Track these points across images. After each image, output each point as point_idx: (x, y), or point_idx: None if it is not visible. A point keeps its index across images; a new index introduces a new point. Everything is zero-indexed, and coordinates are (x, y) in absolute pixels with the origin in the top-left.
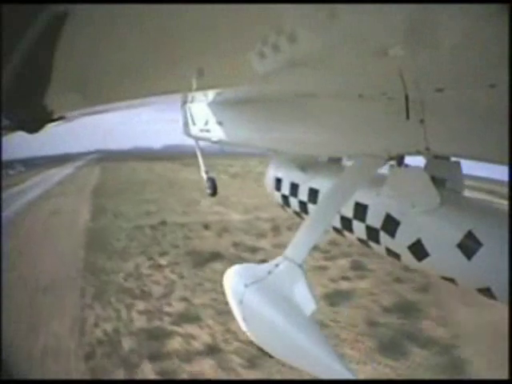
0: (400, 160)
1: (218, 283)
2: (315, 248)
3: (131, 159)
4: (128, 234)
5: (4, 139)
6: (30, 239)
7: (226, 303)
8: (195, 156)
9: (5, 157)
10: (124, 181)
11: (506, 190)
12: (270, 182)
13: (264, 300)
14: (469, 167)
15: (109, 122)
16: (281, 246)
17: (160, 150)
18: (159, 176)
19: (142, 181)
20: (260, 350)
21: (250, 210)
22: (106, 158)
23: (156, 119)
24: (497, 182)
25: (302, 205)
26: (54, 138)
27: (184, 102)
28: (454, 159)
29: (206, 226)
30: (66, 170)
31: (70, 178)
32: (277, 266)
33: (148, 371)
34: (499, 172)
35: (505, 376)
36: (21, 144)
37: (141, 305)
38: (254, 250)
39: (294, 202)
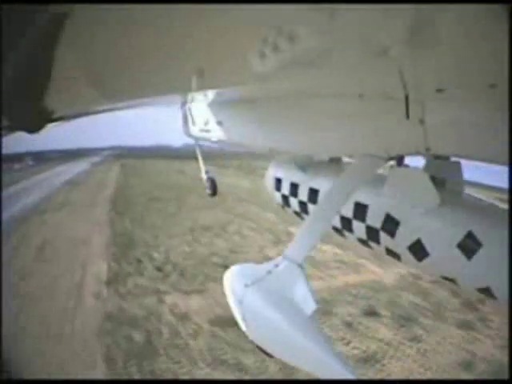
0: (400, 160)
1: None
2: None
3: (153, 157)
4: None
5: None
6: None
7: None
8: (225, 157)
9: (15, 149)
10: (153, 185)
11: (505, 197)
12: (269, 182)
13: (264, 300)
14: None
15: (126, 117)
16: None
17: (181, 149)
18: (195, 180)
19: (177, 186)
20: (260, 349)
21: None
22: (125, 154)
23: (175, 117)
24: (496, 188)
25: (302, 205)
26: (70, 131)
27: (184, 102)
28: (454, 159)
29: (372, 312)
30: (79, 166)
31: (82, 177)
32: (277, 265)
33: None
34: (498, 179)
35: None
36: (34, 136)
37: None
38: None
39: (293, 202)
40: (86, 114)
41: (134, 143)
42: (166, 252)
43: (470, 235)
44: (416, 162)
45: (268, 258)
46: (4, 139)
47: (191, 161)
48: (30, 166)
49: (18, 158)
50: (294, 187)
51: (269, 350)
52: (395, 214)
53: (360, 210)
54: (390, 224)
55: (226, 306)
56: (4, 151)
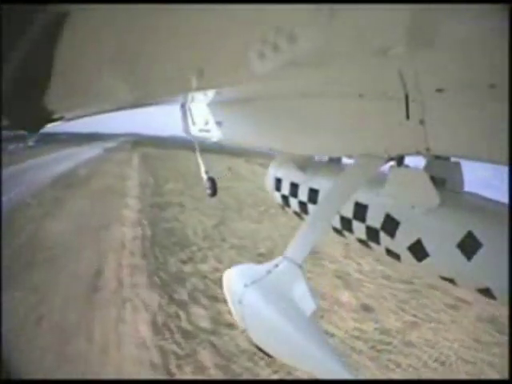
0: (400, 160)
1: None
2: None
3: (174, 148)
4: None
5: None
6: None
7: None
8: (262, 155)
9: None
10: (218, 204)
11: None
12: (269, 182)
13: (263, 300)
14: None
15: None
16: None
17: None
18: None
19: (258, 203)
20: (260, 349)
21: None
22: (143, 142)
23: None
24: None
25: (302, 205)
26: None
27: (184, 102)
28: (454, 159)
29: None
30: (89, 153)
31: (85, 172)
32: (276, 265)
33: None
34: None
35: None
36: None
37: None
38: None
39: (293, 202)
40: (86, 114)
41: (149, 132)
42: None
43: (469, 235)
44: (416, 161)
45: None
46: None
47: (221, 156)
48: (27, 148)
49: (20, 137)
50: (294, 187)
51: (268, 350)
52: (395, 214)
53: (360, 210)
54: (390, 224)
55: None
56: None
